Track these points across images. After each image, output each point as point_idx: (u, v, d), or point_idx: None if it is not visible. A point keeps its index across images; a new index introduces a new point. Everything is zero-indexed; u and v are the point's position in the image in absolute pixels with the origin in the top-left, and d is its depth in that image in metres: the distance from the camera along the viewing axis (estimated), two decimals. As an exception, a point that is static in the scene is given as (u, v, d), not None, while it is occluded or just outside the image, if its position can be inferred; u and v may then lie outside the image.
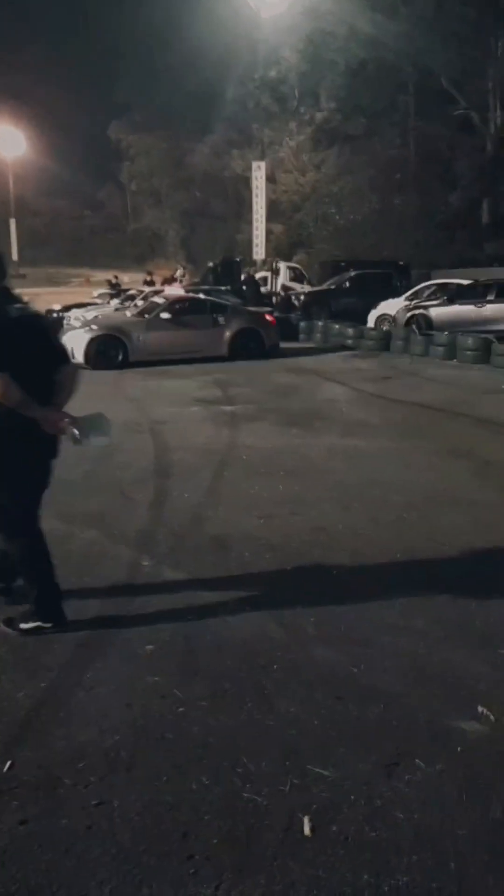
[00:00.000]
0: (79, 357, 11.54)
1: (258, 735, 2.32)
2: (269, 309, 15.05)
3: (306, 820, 1.96)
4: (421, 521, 4.34)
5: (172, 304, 12.70)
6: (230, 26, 29.62)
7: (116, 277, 24.91)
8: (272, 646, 2.86)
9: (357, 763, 2.19)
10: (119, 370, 11.48)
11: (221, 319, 12.78)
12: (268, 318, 13.72)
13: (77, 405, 2.96)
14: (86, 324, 12.48)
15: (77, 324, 16.60)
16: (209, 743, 2.28)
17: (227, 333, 12.66)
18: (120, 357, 11.76)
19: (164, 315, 12.31)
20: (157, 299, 13.35)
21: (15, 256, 48.02)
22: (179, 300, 13.23)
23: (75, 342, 11.65)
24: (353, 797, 2.05)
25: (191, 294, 15.10)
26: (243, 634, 2.95)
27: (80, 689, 2.57)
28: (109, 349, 11.73)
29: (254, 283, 19.41)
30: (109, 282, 23.64)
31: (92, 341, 11.63)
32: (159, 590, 3.40)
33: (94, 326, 12.12)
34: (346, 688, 2.57)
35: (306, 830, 1.93)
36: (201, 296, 14.49)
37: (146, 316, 12.55)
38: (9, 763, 2.19)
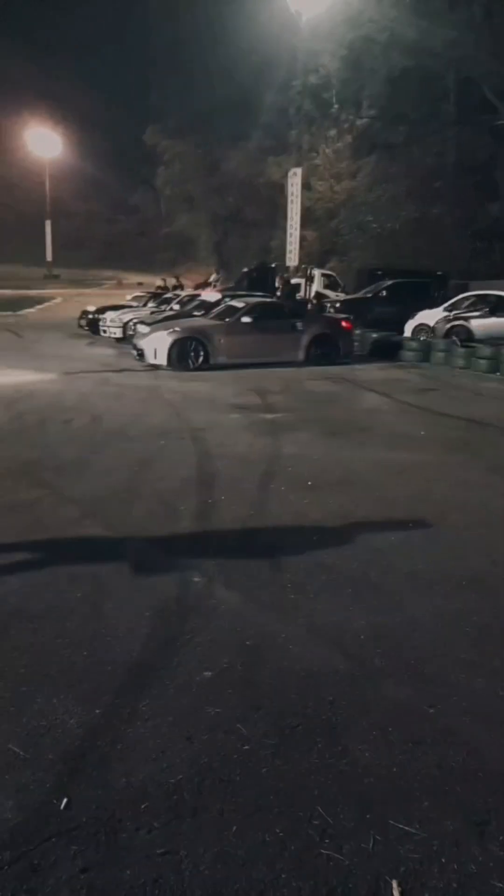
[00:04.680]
0: (161, 358, 11.50)
1: (332, 781, 2.13)
2: (345, 315, 14.89)
3: (395, 884, 1.78)
4: (483, 543, 4.12)
5: (253, 309, 12.57)
6: (268, 32, 29.52)
7: (165, 280, 25.27)
8: (338, 678, 2.67)
9: (444, 819, 1.99)
10: (199, 372, 11.41)
11: (299, 325, 12.68)
12: (344, 324, 13.54)
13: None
14: (168, 326, 12.38)
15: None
16: (280, 788, 2.09)
17: (305, 339, 12.57)
18: (200, 359, 11.68)
19: (245, 319, 12.20)
20: (236, 303, 13.17)
21: (49, 257, 48.67)
22: (260, 305, 13.08)
23: (158, 343, 11.63)
24: (443, 860, 1.86)
25: (271, 299, 14.95)
26: (306, 664, 2.76)
27: (136, 719, 2.41)
28: (191, 351, 11.67)
29: (290, 289, 19.22)
30: (159, 286, 24.12)
31: (174, 343, 11.56)
32: (212, 610, 3.23)
33: (176, 329, 12.03)
34: (422, 731, 2.38)
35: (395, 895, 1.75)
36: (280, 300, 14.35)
37: (227, 319, 12.44)
38: (65, 800, 2.03)
